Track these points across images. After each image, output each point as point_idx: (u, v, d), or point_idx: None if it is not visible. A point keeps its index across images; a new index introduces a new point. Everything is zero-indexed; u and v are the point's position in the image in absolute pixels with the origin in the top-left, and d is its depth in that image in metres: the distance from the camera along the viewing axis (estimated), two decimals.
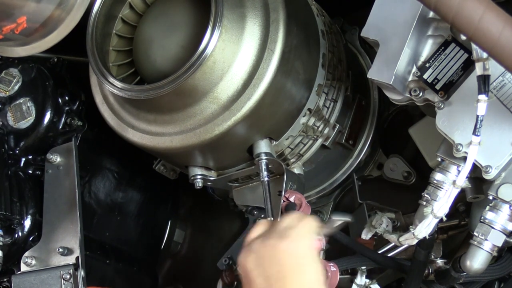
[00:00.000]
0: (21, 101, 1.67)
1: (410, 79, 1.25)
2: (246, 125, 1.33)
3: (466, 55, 1.20)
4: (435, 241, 1.51)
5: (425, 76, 1.23)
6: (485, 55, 1.04)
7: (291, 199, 1.29)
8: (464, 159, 1.15)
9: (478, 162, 1.16)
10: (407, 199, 1.56)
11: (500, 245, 1.21)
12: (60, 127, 1.68)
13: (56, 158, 1.62)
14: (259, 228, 1.14)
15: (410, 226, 1.26)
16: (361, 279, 1.53)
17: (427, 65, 1.23)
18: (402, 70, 1.23)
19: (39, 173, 1.67)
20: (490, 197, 1.20)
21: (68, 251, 1.51)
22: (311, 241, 1.06)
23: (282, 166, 1.40)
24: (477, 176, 1.21)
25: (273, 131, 1.42)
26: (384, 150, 1.75)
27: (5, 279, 1.61)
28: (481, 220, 1.21)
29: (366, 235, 1.57)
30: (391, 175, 1.70)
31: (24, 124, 1.66)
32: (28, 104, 1.66)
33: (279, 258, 1.04)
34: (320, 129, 1.53)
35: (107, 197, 1.84)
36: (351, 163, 1.71)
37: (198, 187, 1.49)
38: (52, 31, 1.33)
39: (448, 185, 1.21)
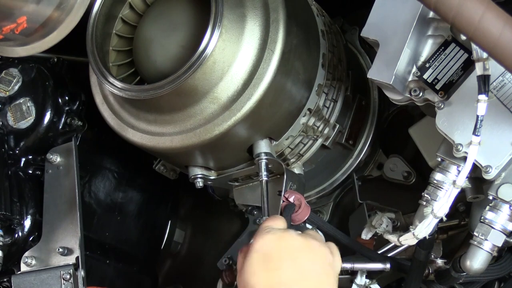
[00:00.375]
0: (21, 101, 1.67)
1: (410, 79, 1.25)
2: (246, 125, 1.33)
3: (466, 55, 1.20)
4: (435, 241, 1.51)
5: (425, 76, 1.23)
6: (485, 55, 1.04)
7: (291, 199, 1.29)
8: (464, 159, 1.15)
9: (478, 162, 1.16)
10: (407, 199, 1.55)
11: (500, 245, 1.21)
12: (60, 127, 1.68)
13: (56, 158, 1.62)
14: (280, 221, 1.13)
15: (410, 226, 1.26)
16: (361, 279, 1.52)
17: (427, 65, 1.23)
18: (402, 70, 1.22)
19: (39, 173, 1.67)
20: (490, 197, 1.20)
21: (68, 251, 1.51)
22: (340, 263, 1.10)
23: (282, 166, 1.40)
24: (477, 176, 1.21)
25: (273, 131, 1.42)
26: (384, 150, 1.75)
27: (5, 279, 1.61)
28: (481, 220, 1.21)
29: (366, 235, 1.57)
30: (391, 175, 1.70)
31: (24, 124, 1.66)
32: (28, 104, 1.66)
33: (315, 258, 1.04)
34: (320, 129, 1.53)
35: (107, 197, 1.84)
36: (351, 163, 1.71)
37: (199, 187, 1.49)
38: (52, 31, 1.33)
39: (448, 185, 1.21)
